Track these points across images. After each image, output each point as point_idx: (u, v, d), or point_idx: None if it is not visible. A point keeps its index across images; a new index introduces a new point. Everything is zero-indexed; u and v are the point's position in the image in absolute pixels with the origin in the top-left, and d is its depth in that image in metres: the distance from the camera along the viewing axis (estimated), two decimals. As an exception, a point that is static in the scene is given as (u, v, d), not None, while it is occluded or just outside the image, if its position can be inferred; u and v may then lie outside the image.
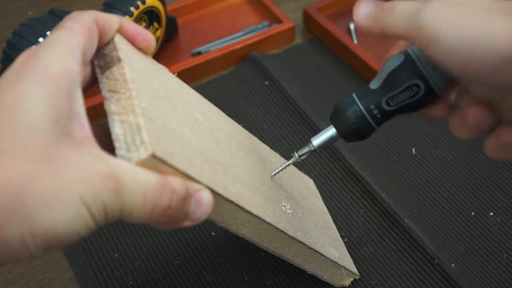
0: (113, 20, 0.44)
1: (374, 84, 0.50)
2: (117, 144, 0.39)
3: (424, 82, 0.47)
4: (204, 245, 0.65)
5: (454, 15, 0.40)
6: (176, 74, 0.53)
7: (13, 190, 0.33)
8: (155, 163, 0.38)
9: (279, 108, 0.81)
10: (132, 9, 0.78)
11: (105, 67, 0.44)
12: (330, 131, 0.53)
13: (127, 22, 0.46)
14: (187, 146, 0.43)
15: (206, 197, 0.42)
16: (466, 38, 0.39)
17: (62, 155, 0.35)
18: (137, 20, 0.79)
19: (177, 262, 0.63)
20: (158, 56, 0.87)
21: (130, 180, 0.37)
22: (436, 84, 0.47)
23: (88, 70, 0.44)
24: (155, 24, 0.83)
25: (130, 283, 0.62)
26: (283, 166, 0.57)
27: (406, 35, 0.43)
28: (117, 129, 0.40)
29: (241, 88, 0.84)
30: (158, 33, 0.85)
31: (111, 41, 0.45)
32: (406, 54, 0.48)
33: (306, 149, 0.55)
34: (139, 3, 0.79)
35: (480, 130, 0.47)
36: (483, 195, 0.70)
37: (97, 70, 0.44)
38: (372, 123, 0.50)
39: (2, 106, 0.36)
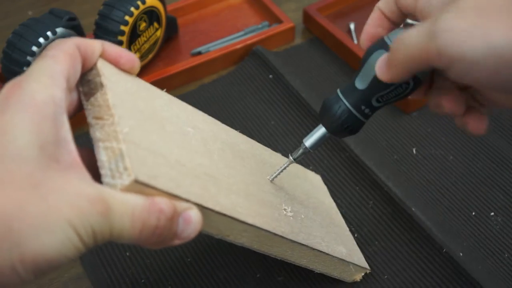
0: (95, 46, 0.45)
1: (359, 83, 0.50)
2: (102, 172, 0.40)
3: (414, 78, 0.48)
4: (215, 241, 0.65)
5: (473, 24, 0.38)
6: (165, 90, 0.53)
7: (2, 218, 0.34)
8: (139, 187, 0.39)
9: (285, 102, 0.81)
10: (132, 9, 0.78)
11: (90, 94, 0.45)
12: (321, 130, 0.54)
13: (110, 46, 0.47)
14: (174, 165, 0.44)
15: (194, 215, 0.42)
16: (493, 47, 0.37)
17: (49, 181, 0.36)
18: (137, 20, 0.79)
19: (188, 260, 0.63)
20: (158, 56, 0.87)
21: (118, 203, 0.38)
22: (422, 74, 0.48)
23: (74, 96, 0.45)
24: (155, 24, 0.83)
25: (143, 281, 0.62)
26: (279, 171, 0.57)
27: (424, 62, 0.41)
28: (102, 156, 0.41)
29: (247, 84, 0.84)
30: (158, 33, 0.85)
31: (94, 66, 0.45)
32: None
33: (300, 151, 0.56)
34: (139, 3, 0.79)
35: (452, 115, 0.49)
36: (484, 195, 0.71)
37: (82, 97, 0.45)
38: (361, 118, 0.51)
39: None
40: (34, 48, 0.74)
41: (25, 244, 0.34)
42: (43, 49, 0.72)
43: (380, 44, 0.48)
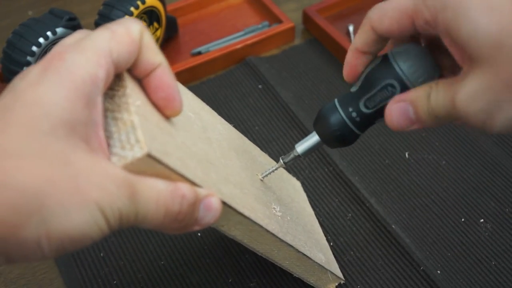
0: (156, 56, 0.42)
1: (354, 88, 0.50)
2: (111, 142, 0.39)
3: (399, 82, 0.46)
4: (190, 245, 0.65)
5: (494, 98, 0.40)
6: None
7: (33, 192, 0.33)
8: (150, 162, 0.39)
9: (271, 111, 0.81)
10: (132, 9, 0.78)
11: None
12: (314, 138, 0.53)
13: (165, 71, 0.43)
14: (181, 146, 0.43)
15: (215, 202, 0.42)
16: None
17: (79, 160, 0.36)
18: (137, 20, 0.80)
19: (162, 263, 0.64)
20: (158, 56, 0.88)
21: (144, 187, 0.38)
22: (412, 83, 0.46)
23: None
24: (155, 24, 0.84)
25: (115, 282, 0.62)
26: (271, 170, 0.57)
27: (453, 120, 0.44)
28: (111, 126, 0.40)
29: (233, 89, 0.84)
30: (158, 33, 0.85)
31: None
32: (383, 55, 0.48)
33: (291, 155, 0.55)
34: (139, 3, 0.79)
35: None
36: (475, 201, 0.70)
37: None
38: (355, 129, 0.50)
39: (21, 106, 0.36)
40: (34, 48, 0.75)
41: (53, 221, 0.34)
42: (43, 49, 0.74)
43: (391, 73, 0.47)
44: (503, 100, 0.40)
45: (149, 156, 0.38)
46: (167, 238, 0.66)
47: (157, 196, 0.38)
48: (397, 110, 0.46)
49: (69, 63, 0.37)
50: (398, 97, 0.46)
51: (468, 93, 0.41)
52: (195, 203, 0.41)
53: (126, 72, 0.42)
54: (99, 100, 0.38)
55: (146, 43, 0.41)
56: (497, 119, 0.41)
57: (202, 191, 0.42)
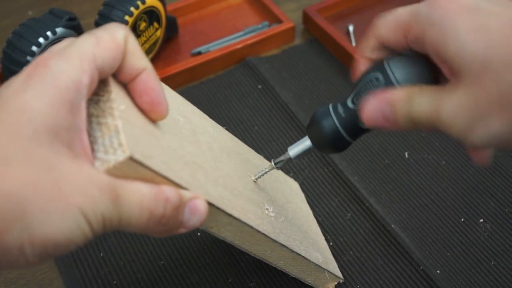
0: (141, 60, 0.42)
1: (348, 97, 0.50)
2: (95, 147, 0.39)
3: (385, 76, 0.46)
4: (190, 245, 0.65)
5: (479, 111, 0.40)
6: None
7: (17, 198, 0.34)
8: (133, 165, 0.39)
9: (270, 111, 0.81)
10: (132, 9, 0.78)
11: None
12: (306, 142, 0.53)
13: (150, 76, 0.43)
14: (166, 149, 0.44)
15: (200, 205, 0.42)
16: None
17: (62, 166, 0.36)
18: (137, 20, 0.80)
19: (161, 262, 0.64)
20: (158, 56, 0.88)
21: (127, 191, 0.38)
22: (397, 81, 0.45)
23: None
24: (155, 24, 0.84)
25: (115, 282, 0.62)
26: (262, 172, 0.57)
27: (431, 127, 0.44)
28: (95, 132, 0.40)
29: (233, 90, 0.84)
30: (158, 33, 0.85)
31: None
32: (379, 60, 0.47)
33: (282, 158, 0.55)
34: (139, 3, 0.79)
35: None
36: (474, 201, 0.70)
37: None
38: (347, 138, 0.50)
39: (6, 114, 0.36)
40: (34, 48, 0.75)
41: (36, 227, 0.34)
42: (43, 49, 0.74)
43: (380, 69, 0.46)
44: (486, 115, 0.40)
45: (132, 159, 0.38)
46: (167, 238, 0.66)
47: (140, 199, 0.39)
48: (375, 106, 0.45)
49: (54, 69, 0.37)
50: (379, 94, 0.45)
51: (453, 106, 0.41)
52: (180, 206, 0.41)
53: (111, 77, 0.42)
54: (83, 105, 0.39)
55: (130, 48, 0.41)
56: (478, 133, 0.41)
57: (187, 194, 0.42)
